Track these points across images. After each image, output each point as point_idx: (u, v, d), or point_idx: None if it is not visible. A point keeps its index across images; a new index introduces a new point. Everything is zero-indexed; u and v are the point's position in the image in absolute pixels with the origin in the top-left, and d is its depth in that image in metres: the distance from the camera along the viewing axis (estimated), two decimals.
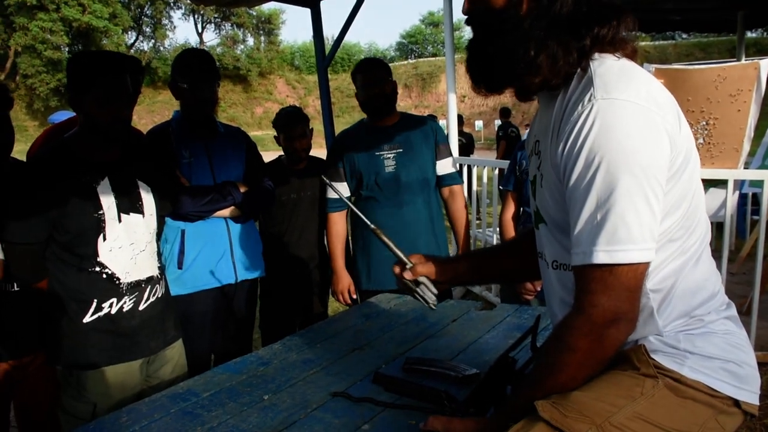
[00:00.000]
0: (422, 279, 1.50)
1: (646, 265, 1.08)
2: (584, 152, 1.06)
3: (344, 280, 3.12)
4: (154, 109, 25.93)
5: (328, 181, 1.74)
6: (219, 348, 2.80)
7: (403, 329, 2.17)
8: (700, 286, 1.20)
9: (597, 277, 1.07)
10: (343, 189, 3.04)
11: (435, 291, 1.51)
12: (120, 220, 1.99)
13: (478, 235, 5.75)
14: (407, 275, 1.50)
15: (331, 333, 2.15)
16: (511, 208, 3.29)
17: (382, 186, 2.95)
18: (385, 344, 2.02)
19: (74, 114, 2.12)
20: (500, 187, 3.49)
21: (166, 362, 2.19)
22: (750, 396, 1.17)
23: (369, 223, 1.53)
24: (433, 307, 1.50)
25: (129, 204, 2.04)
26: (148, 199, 2.11)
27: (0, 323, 2.14)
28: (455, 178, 3.16)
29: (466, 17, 1.23)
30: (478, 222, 6.17)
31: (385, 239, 1.50)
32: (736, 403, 1.16)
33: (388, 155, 2.96)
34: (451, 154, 3.16)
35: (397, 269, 1.53)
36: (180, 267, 2.64)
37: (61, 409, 2.03)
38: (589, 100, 1.07)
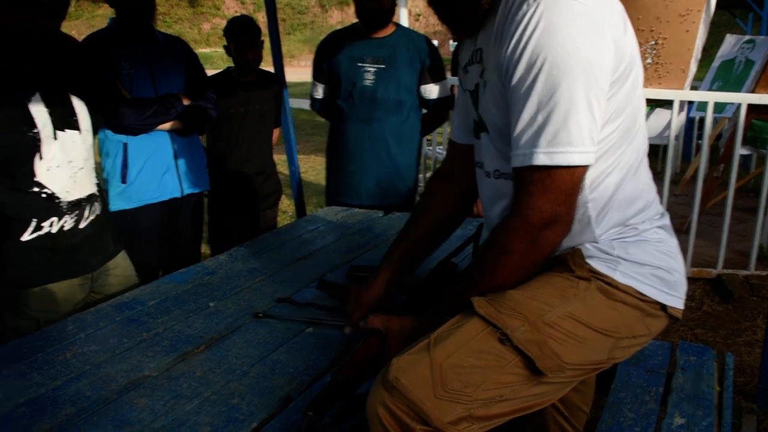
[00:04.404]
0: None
1: (585, 168, 1.09)
2: (527, 53, 1.05)
3: None
4: (94, 24, 24.61)
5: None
6: (167, 262, 2.78)
7: (348, 240, 2.20)
8: (637, 196, 1.23)
9: (536, 180, 1.08)
10: (322, 90, 3.03)
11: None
12: (56, 138, 1.91)
13: (428, 153, 5.72)
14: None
15: (277, 244, 2.16)
16: None
17: (356, 98, 2.88)
18: (331, 254, 2.05)
19: None
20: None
21: (111, 275, 2.17)
22: (676, 301, 1.23)
23: None
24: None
25: (64, 120, 1.95)
26: (82, 113, 2.02)
27: None
28: (436, 106, 3.04)
29: None
30: (429, 140, 6.14)
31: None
32: (663, 307, 1.22)
33: (369, 68, 2.87)
34: (438, 79, 2.99)
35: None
36: (124, 181, 2.59)
37: (4, 327, 2.00)
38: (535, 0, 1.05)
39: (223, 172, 3.12)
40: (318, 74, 3.02)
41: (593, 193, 1.17)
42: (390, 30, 2.92)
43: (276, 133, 3.46)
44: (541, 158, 1.06)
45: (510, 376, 1.06)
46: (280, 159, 3.55)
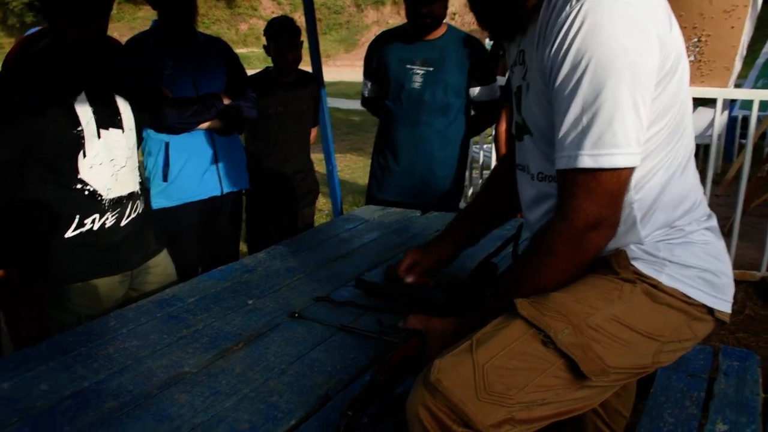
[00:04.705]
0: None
1: (631, 170, 1.07)
2: (571, 53, 1.03)
3: None
4: (134, 26, 25.05)
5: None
6: (206, 260, 2.82)
7: (386, 239, 2.19)
8: (684, 197, 1.20)
9: (580, 182, 1.07)
10: (371, 88, 3.08)
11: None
12: (99, 136, 1.95)
13: (475, 154, 5.65)
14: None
15: (315, 242, 2.17)
16: (504, 122, 3.32)
17: (404, 101, 2.89)
18: (369, 253, 2.05)
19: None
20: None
21: (151, 274, 2.20)
22: (723, 305, 1.20)
23: None
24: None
25: (108, 119, 1.99)
26: (126, 113, 2.06)
27: None
28: (481, 108, 3.03)
29: None
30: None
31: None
32: (710, 310, 1.19)
33: (418, 71, 2.86)
34: (487, 82, 2.96)
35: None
36: (165, 179, 2.63)
37: (48, 320, 2.05)
38: (578, 0, 1.04)
39: (262, 171, 3.14)
40: (368, 73, 3.05)
41: (639, 193, 1.15)
42: (441, 31, 2.89)
43: (313, 132, 3.48)
44: (586, 161, 1.04)
45: (553, 379, 1.05)
46: (316, 158, 3.57)
